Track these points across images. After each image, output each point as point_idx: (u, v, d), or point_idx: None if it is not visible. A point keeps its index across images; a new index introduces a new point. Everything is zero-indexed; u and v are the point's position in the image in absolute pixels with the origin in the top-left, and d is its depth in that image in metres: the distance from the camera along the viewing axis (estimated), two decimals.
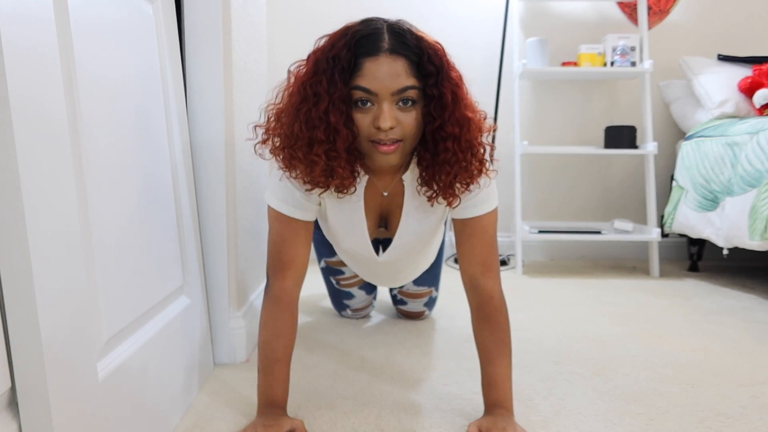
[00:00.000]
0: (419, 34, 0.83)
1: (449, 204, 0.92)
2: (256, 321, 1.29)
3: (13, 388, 0.55)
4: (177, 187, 1.01)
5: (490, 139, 0.91)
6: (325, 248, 1.40)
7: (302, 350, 1.28)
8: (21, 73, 0.53)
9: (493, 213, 0.97)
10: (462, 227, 0.97)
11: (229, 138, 1.16)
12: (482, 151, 0.88)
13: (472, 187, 0.91)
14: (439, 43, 0.85)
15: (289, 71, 0.88)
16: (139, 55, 0.87)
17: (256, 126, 0.90)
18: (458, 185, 0.89)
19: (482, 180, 0.92)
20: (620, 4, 2.56)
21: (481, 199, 0.94)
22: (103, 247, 0.69)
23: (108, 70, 0.75)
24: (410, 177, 0.97)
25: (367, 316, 1.57)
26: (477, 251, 0.96)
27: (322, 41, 0.84)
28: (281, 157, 0.88)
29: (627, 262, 2.52)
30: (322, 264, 1.46)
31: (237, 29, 1.19)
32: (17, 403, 0.56)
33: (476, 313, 0.95)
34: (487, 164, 0.90)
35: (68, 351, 0.60)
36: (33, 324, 0.54)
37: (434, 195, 0.91)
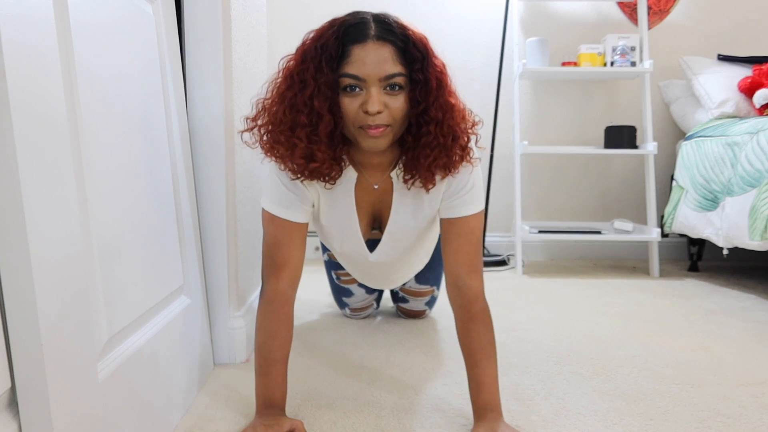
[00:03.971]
0: (404, 23, 0.86)
1: (425, 186, 0.93)
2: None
3: (13, 388, 0.55)
4: (177, 187, 1.01)
5: (477, 130, 0.93)
6: None
7: (302, 350, 1.29)
8: (21, 73, 0.53)
9: (480, 215, 0.99)
10: (449, 226, 0.98)
11: (229, 138, 1.16)
12: (466, 138, 0.90)
13: (456, 175, 0.92)
14: (423, 34, 0.87)
15: (279, 66, 0.90)
16: (139, 55, 0.87)
17: (247, 118, 0.93)
18: (438, 169, 0.91)
19: (466, 168, 0.93)
20: (620, 4, 2.56)
21: (469, 198, 0.96)
22: (103, 247, 0.69)
23: (108, 71, 0.75)
24: (397, 173, 0.99)
25: (368, 317, 1.57)
26: (463, 251, 0.97)
27: (311, 35, 0.87)
28: (267, 144, 0.89)
29: (627, 262, 2.52)
30: (325, 257, 1.46)
31: (237, 29, 1.20)
32: (17, 403, 0.56)
33: (461, 315, 0.95)
34: (472, 152, 0.92)
35: (68, 351, 0.60)
36: (33, 324, 0.54)
37: (411, 178, 0.93)
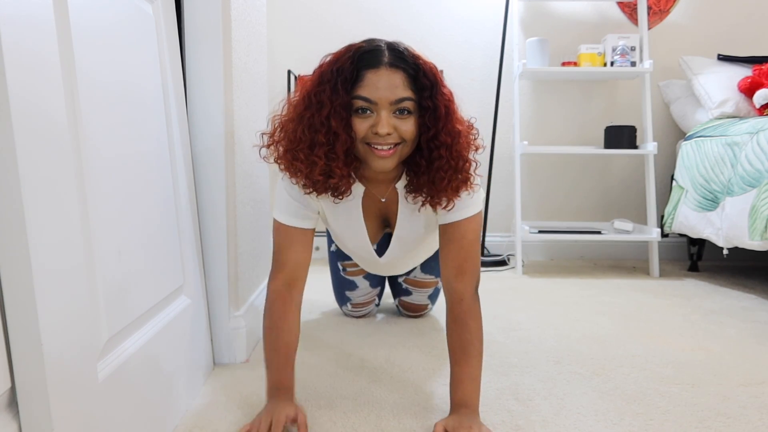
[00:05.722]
0: (416, 53, 0.91)
1: (434, 209, 0.97)
2: (256, 321, 1.30)
3: (13, 388, 0.55)
4: (177, 187, 1.01)
5: (476, 155, 0.96)
6: None
7: (302, 350, 1.28)
8: (21, 75, 0.53)
9: (474, 218, 1.00)
10: (443, 231, 1.01)
11: (229, 138, 1.16)
12: (468, 165, 0.94)
13: (455, 200, 0.95)
14: (434, 64, 0.92)
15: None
16: (139, 56, 0.87)
17: (263, 133, 0.96)
18: (446, 193, 0.94)
19: (464, 193, 0.96)
20: (620, 4, 2.57)
21: (463, 204, 0.98)
22: (103, 247, 0.69)
23: (108, 71, 0.75)
24: (402, 185, 1.03)
25: (369, 316, 1.57)
26: (453, 255, 0.99)
27: (328, 58, 0.92)
28: (285, 160, 0.93)
29: (627, 262, 2.52)
30: (333, 248, 1.47)
31: (237, 29, 1.20)
32: (17, 403, 0.56)
33: (449, 315, 0.98)
34: (472, 179, 0.95)
35: (68, 351, 0.60)
36: (33, 324, 0.54)
37: (422, 203, 0.97)
